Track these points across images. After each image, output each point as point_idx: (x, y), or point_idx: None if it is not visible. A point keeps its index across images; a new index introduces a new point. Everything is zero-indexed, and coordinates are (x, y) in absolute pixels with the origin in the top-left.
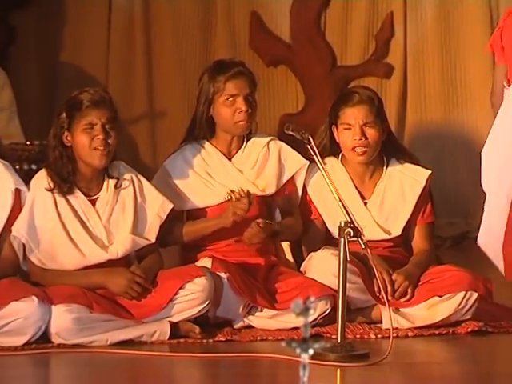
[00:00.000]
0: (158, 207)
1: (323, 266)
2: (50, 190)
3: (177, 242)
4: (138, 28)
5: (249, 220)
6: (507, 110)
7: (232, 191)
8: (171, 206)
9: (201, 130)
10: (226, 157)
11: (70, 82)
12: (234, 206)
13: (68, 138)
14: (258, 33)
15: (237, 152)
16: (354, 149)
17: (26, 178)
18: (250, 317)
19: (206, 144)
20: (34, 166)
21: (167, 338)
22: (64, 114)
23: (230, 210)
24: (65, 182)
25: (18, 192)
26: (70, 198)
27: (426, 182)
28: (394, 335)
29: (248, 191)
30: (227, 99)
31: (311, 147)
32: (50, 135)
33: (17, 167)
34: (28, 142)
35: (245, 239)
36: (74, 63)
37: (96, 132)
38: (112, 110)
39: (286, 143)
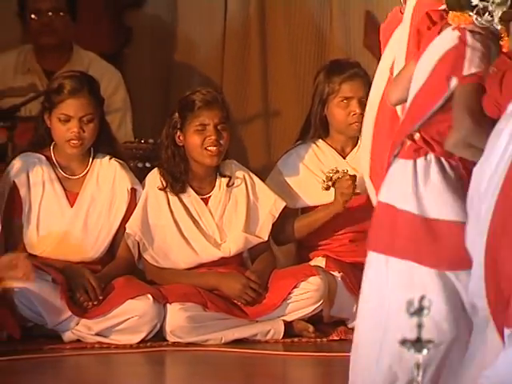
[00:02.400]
0: (270, 205)
1: None
2: (163, 189)
3: (290, 239)
4: (253, 28)
5: (359, 210)
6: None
7: (334, 170)
8: (284, 204)
9: (315, 129)
10: (341, 155)
11: (183, 82)
12: (339, 187)
13: (180, 137)
14: (373, 32)
15: (351, 151)
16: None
17: (141, 176)
18: None
19: (321, 143)
20: (148, 164)
21: (281, 336)
22: (176, 114)
23: (338, 193)
24: (177, 181)
25: (133, 191)
26: (182, 196)
27: None
28: None
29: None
30: (341, 101)
31: None
32: (162, 135)
33: (131, 165)
34: (142, 141)
35: (338, 196)
36: (187, 63)
37: (208, 132)
38: (224, 110)
39: None
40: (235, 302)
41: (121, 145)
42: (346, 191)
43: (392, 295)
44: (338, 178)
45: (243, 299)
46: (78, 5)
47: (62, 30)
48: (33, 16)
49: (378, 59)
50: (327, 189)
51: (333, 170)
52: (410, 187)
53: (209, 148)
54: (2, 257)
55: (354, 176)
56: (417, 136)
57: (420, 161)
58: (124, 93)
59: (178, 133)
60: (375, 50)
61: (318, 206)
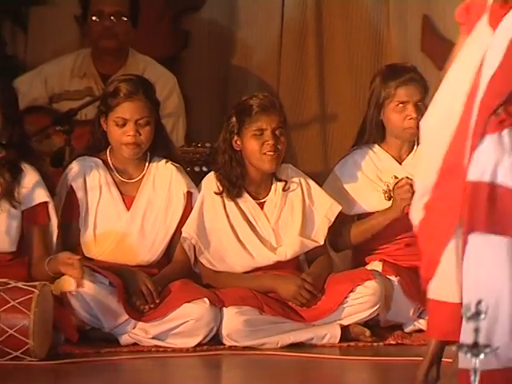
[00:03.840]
0: (326, 209)
1: None
2: (219, 194)
3: (347, 246)
4: (309, 32)
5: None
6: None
7: (395, 177)
8: (339, 208)
9: (371, 134)
10: (397, 161)
11: (240, 86)
12: (398, 192)
13: (237, 142)
14: (430, 37)
15: (407, 156)
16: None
17: (198, 180)
18: (421, 320)
19: (377, 148)
20: (205, 169)
21: (337, 340)
22: (234, 119)
23: (397, 197)
24: (234, 186)
25: (189, 194)
26: (238, 200)
27: None
28: None
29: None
30: (397, 105)
31: None
32: (219, 139)
33: (188, 169)
34: (199, 145)
35: (396, 197)
36: (244, 67)
37: (266, 137)
38: (281, 114)
39: None
40: (291, 305)
41: (177, 148)
42: (404, 196)
43: (497, 271)
44: (396, 184)
45: (298, 301)
46: (139, 10)
47: (123, 34)
48: (94, 18)
49: (435, 63)
50: (390, 198)
51: (392, 178)
52: (498, 159)
53: (267, 153)
54: (63, 253)
55: (412, 181)
56: (500, 109)
57: (506, 132)
58: (178, 98)
59: (235, 137)
60: (432, 54)
61: (374, 213)
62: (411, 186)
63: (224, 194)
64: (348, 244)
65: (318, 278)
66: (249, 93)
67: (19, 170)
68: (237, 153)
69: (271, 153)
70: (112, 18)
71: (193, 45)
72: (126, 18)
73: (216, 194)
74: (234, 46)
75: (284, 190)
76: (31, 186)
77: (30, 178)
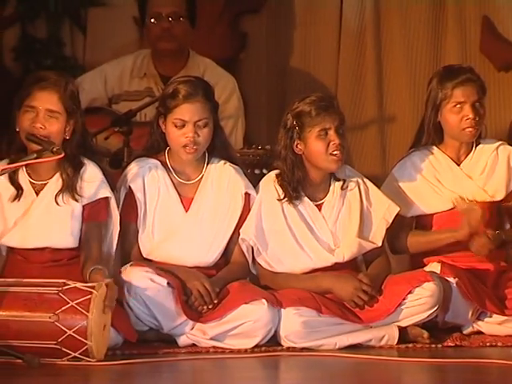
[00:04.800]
0: (384, 210)
1: None
2: (280, 200)
3: (405, 249)
4: (368, 33)
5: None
6: None
7: (461, 198)
8: (397, 209)
9: (429, 136)
10: (455, 162)
11: (298, 88)
12: (468, 217)
13: (299, 146)
14: (489, 37)
15: (465, 158)
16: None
17: (258, 182)
18: (480, 322)
19: (435, 150)
20: (265, 171)
21: (395, 342)
22: (293, 123)
23: (465, 222)
24: (294, 191)
25: (247, 196)
26: (296, 202)
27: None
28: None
29: (475, 202)
30: (454, 106)
31: None
32: (280, 145)
33: (248, 171)
34: (259, 147)
35: (473, 250)
36: (302, 68)
37: (331, 137)
38: (341, 113)
39: None
40: (349, 306)
41: (235, 150)
42: (473, 223)
43: None
44: (468, 209)
45: (354, 302)
46: (197, 11)
47: (181, 35)
48: (152, 20)
49: (494, 64)
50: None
51: (460, 197)
52: None
53: (334, 153)
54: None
55: (483, 208)
56: None
57: None
58: (237, 100)
59: (297, 141)
60: (492, 55)
61: (432, 214)
62: (482, 214)
63: (284, 200)
64: (405, 249)
65: (375, 280)
66: (307, 94)
67: (81, 164)
68: (298, 157)
69: (337, 152)
70: (170, 19)
71: (251, 47)
72: (183, 19)
73: (277, 200)
74: (292, 48)
75: (342, 188)
76: (93, 181)
77: (92, 173)
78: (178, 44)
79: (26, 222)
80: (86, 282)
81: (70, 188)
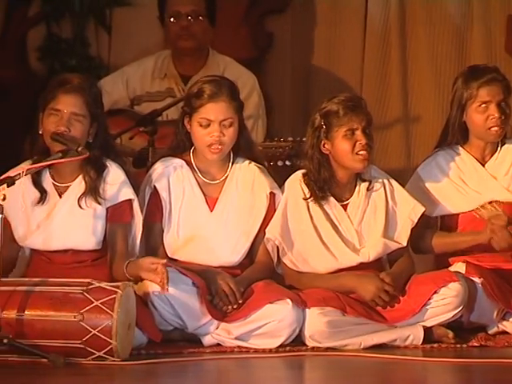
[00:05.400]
0: (409, 210)
1: None
2: (306, 199)
3: (428, 249)
4: (393, 32)
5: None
6: None
7: (483, 206)
8: (423, 209)
9: (454, 135)
10: (480, 163)
11: (323, 87)
12: (492, 223)
13: (326, 146)
14: None
15: (490, 158)
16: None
17: (281, 174)
18: (505, 322)
19: (460, 149)
20: (288, 163)
21: (420, 342)
22: (321, 123)
23: (489, 226)
24: (321, 191)
25: (272, 195)
26: (322, 202)
27: None
28: None
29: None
30: (480, 105)
31: None
32: (306, 145)
33: (271, 164)
34: (282, 139)
35: (494, 244)
36: (327, 68)
37: (358, 137)
38: (368, 113)
39: None
40: (374, 306)
41: (259, 148)
42: (497, 230)
43: None
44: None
45: (376, 302)
46: (216, 9)
47: (200, 34)
48: (172, 19)
49: None
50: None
51: (483, 206)
52: None
53: (360, 153)
54: (145, 258)
55: (507, 209)
56: None
57: None
58: (258, 98)
59: (324, 141)
60: None
61: (457, 214)
62: (506, 221)
63: (310, 200)
64: (430, 249)
65: (397, 279)
66: (332, 94)
67: (104, 167)
68: (324, 157)
69: (363, 152)
70: (189, 18)
71: (276, 46)
72: (202, 18)
73: (303, 199)
74: (316, 47)
75: (368, 189)
76: (116, 183)
77: (115, 175)
78: (196, 42)
79: (49, 225)
80: (113, 281)
81: (92, 191)
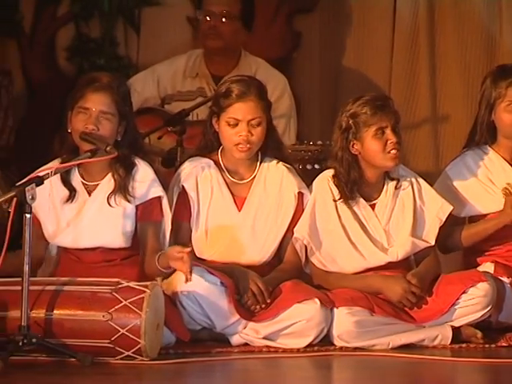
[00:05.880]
0: (437, 209)
1: None
2: (335, 201)
3: (457, 247)
4: (422, 32)
5: None
6: None
7: (509, 185)
8: (451, 207)
9: (482, 135)
10: (508, 163)
11: (351, 87)
12: (509, 200)
13: (355, 146)
14: None
15: None
16: None
17: (310, 178)
18: None
19: (488, 149)
20: (317, 166)
21: (449, 342)
22: (350, 123)
23: (508, 205)
24: (350, 191)
25: (300, 195)
26: (350, 202)
27: None
28: None
29: None
30: (508, 105)
31: None
32: (335, 147)
33: (300, 167)
34: (311, 143)
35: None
36: (355, 68)
37: (388, 136)
38: (396, 111)
39: None
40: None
41: (287, 148)
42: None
43: None
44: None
45: (403, 304)
46: (254, 13)
47: (228, 34)
48: (207, 18)
49: None
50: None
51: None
52: None
53: (391, 151)
54: (173, 247)
55: None
56: None
57: None
58: (289, 99)
59: (353, 142)
60: None
61: (486, 215)
62: None
63: (339, 201)
64: (459, 246)
65: (423, 279)
66: (360, 93)
67: (133, 165)
68: (354, 157)
69: (395, 151)
70: (223, 18)
71: (304, 46)
72: (235, 19)
73: (333, 200)
74: (345, 47)
75: (396, 188)
76: (145, 180)
77: (144, 173)
78: (224, 42)
79: (79, 223)
80: (143, 280)
81: (122, 189)
